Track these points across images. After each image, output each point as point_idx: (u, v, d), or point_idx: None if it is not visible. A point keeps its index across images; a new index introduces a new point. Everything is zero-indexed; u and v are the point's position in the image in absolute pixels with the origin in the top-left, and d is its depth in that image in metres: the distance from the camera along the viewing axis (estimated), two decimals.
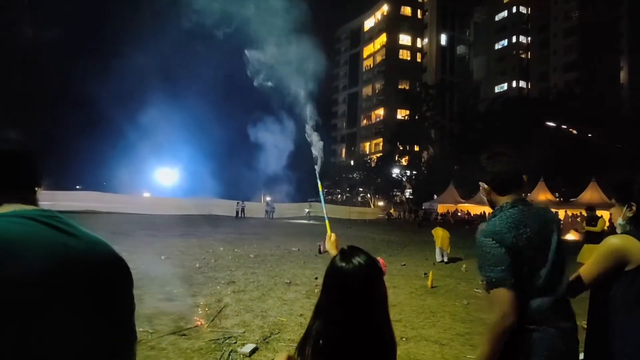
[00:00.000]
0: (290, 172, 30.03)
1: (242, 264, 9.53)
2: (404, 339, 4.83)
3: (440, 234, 11.39)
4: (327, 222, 2.20)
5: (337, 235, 2.06)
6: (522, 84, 67.33)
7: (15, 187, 0.95)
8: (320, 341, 1.22)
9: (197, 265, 9.01)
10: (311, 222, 27.70)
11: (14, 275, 0.72)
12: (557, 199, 34.14)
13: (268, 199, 33.89)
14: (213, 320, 5.23)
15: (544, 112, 37.48)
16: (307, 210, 31.45)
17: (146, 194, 32.33)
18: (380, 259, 1.36)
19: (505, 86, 68.54)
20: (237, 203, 30.82)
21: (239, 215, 30.01)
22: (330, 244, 1.99)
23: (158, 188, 34.99)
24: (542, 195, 33.27)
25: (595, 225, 9.04)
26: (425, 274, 8.79)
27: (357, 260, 1.29)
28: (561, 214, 31.51)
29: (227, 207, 29.13)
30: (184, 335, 4.66)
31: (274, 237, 16.13)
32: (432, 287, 7.77)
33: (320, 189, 2.36)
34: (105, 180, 34.44)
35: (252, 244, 13.45)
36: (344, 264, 1.28)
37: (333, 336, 1.22)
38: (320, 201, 2.31)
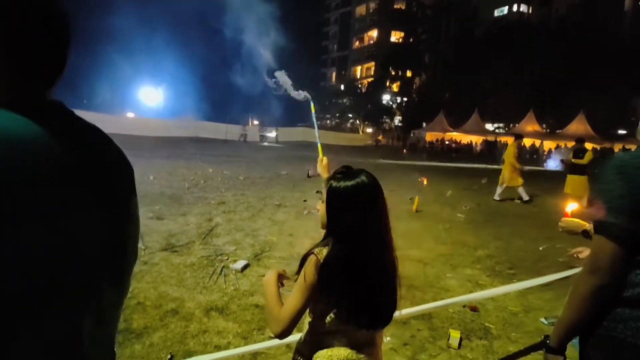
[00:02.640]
0: (279, 95, 29.35)
1: (232, 185, 9.58)
2: None
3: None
4: (319, 145, 2.12)
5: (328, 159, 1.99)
6: (523, 7, 64.04)
7: (60, 69, 0.73)
8: (333, 256, 1.21)
9: (186, 185, 9.03)
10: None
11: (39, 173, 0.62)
12: (544, 130, 34.42)
13: (256, 122, 33.32)
14: (204, 238, 5.34)
15: (544, 38, 36.17)
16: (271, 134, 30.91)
17: (130, 114, 31.34)
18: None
19: (505, 10, 65.18)
20: (244, 128, 30.53)
21: (242, 139, 29.84)
22: (322, 167, 1.94)
23: (142, 108, 33.95)
24: (529, 126, 33.45)
25: (582, 158, 9.17)
26: (410, 198, 8.99)
27: (360, 176, 1.27)
28: (547, 145, 32.01)
29: (214, 130, 28.62)
30: (176, 251, 4.77)
31: (263, 161, 16.13)
32: (417, 211, 8.01)
33: (312, 110, 2.24)
34: (86, 98, 33.04)
35: (241, 166, 13.45)
36: (348, 182, 1.25)
37: (344, 250, 1.21)
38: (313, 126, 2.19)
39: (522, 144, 11.80)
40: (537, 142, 32.58)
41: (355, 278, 1.21)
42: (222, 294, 3.74)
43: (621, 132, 32.83)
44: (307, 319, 1.34)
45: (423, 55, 52.23)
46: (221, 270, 4.26)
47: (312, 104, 2.28)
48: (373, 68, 61.33)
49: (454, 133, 36.88)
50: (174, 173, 10.75)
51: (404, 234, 6.29)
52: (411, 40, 52.40)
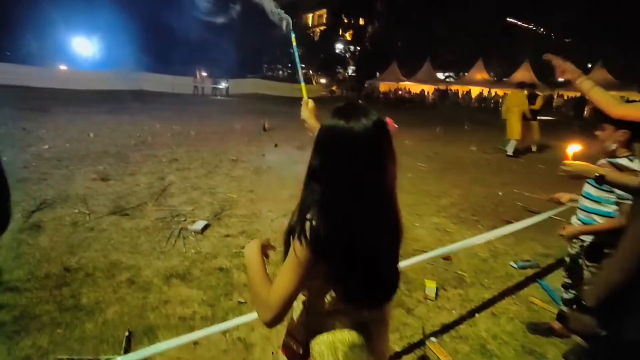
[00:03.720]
0: (228, 45, 27.52)
1: (183, 141, 8.95)
2: None
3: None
4: (302, 85, 1.78)
5: (313, 106, 1.66)
6: None
7: None
8: (323, 221, 0.94)
9: (133, 143, 8.30)
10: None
11: None
12: (492, 79, 35.31)
13: (204, 74, 31.30)
14: (158, 198, 4.92)
15: None
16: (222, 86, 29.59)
17: (62, 67, 28.21)
18: (388, 119, 1.03)
19: None
20: (196, 79, 28.80)
21: (200, 92, 28.30)
22: (308, 111, 1.61)
23: (76, 60, 30.73)
24: (478, 74, 34.16)
25: (534, 103, 9.47)
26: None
27: (368, 117, 0.96)
28: (496, 92, 32.99)
29: (159, 82, 26.58)
30: (127, 215, 4.35)
31: (214, 115, 15.26)
32: None
33: (294, 42, 1.88)
34: (8, 50, 29.20)
35: (192, 121, 12.62)
36: (352, 122, 0.95)
37: (339, 212, 0.94)
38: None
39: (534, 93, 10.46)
40: (485, 91, 33.44)
41: (354, 246, 0.96)
42: (183, 258, 3.44)
43: (560, 79, 34.39)
44: (300, 297, 1.10)
45: (375, 1, 50.82)
46: (179, 233, 3.94)
47: (292, 35, 1.90)
48: (325, 16, 58.99)
49: (407, 83, 36.92)
50: (117, 130, 9.85)
51: None
52: None
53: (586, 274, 2.22)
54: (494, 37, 34.85)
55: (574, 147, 1.89)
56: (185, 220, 4.30)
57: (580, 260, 2.31)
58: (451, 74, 42.13)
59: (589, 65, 31.64)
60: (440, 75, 40.18)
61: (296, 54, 1.85)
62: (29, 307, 2.59)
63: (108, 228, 3.96)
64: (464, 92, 34.55)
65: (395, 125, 1.05)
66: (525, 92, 9.63)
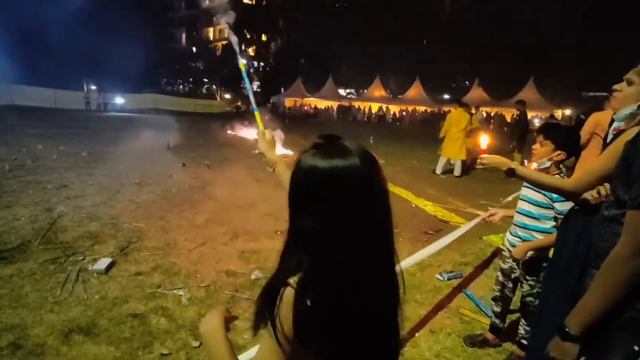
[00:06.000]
0: (121, 56, 25.36)
1: (74, 164, 7.85)
2: (279, 232, 4.73)
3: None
4: (257, 113, 1.56)
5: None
6: None
7: None
8: (312, 289, 0.74)
9: (7, 167, 7.03)
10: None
11: None
12: (389, 95, 37.91)
13: (93, 87, 28.37)
14: (45, 235, 4.15)
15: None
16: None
17: None
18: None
19: None
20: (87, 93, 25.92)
21: (100, 108, 25.72)
22: (266, 143, 1.40)
23: None
24: (377, 91, 36.44)
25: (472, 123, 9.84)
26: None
27: (352, 152, 0.80)
28: (392, 109, 35.46)
29: (38, 96, 23.37)
30: (4, 258, 3.57)
31: (108, 132, 13.81)
32: None
33: (242, 68, 1.67)
34: None
35: (82, 140, 11.24)
36: (333, 161, 0.77)
37: (328, 276, 0.76)
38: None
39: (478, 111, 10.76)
40: (384, 107, 35.80)
41: (347, 315, 0.77)
42: (84, 307, 2.89)
43: (446, 96, 38.31)
44: None
45: (277, 18, 51.69)
46: (77, 276, 3.33)
47: (241, 61, 1.71)
48: (226, 30, 58.14)
49: (312, 99, 37.92)
50: None
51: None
52: (264, 2, 51.05)
53: (525, 287, 2.33)
54: (389, 56, 37.61)
55: (484, 139, 1.96)
56: (83, 259, 3.67)
57: (514, 275, 2.42)
58: (352, 90, 44.41)
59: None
60: (342, 92, 42.08)
61: (246, 80, 1.64)
62: None
63: None
64: (366, 108, 36.50)
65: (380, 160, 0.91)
66: (467, 110, 9.44)
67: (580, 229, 1.56)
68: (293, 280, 0.76)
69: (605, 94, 6.30)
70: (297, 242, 0.81)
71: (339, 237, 0.77)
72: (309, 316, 0.74)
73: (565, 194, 1.67)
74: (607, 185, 1.50)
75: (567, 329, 1.16)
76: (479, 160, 1.90)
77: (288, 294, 0.75)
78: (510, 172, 1.77)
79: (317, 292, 0.74)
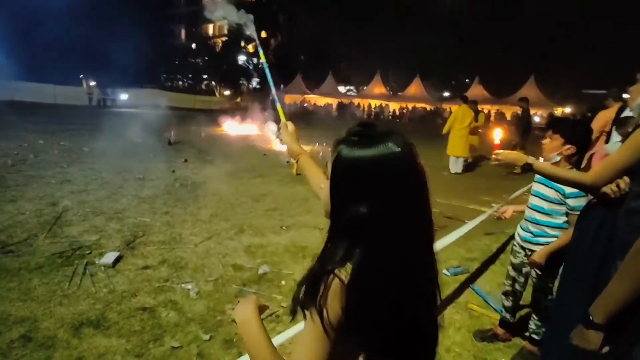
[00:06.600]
0: (121, 51, 25.29)
1: (76, 159, 7.83)
2: (284, 228, 4.73)
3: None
4: (279, 106, 1.56)
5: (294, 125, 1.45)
6: None
7: None
8: (365, 274, 0.74)
9: (10, 162, 7.01)
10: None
11: None
12: (389, 93, 37.87)
13: (92, 83, 28.27)
14: (51, 229, 4.14)
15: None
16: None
17: None
18: None
19: None
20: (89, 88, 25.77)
21: (100, 104, 25.38)
22: (289, 134, 1.39)
23: None
24: (377, 89, 36.37)
25: (477, 120, 9.80)
26: (287, 161, 8.75)
27: (388, 140, 0.78)
28: (392, 106, 35.41)
29: (37, 92, 23.25)
30: (11, 252, 3.56)
31: (109, 128, 13.74)
32: (297, 174, 7.82)
33: (262, 59, 1.67)
34: None
35: (83, 135, 11.21)
36: (370, 150, 0.77)
37: (377, 260, 0.76)
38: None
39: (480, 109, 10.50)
40: (384, 104, 35.75)
41: (393, 300, 0.76)
42: (93, 300, 2.89)
43: (446, 94, 38.29)
44: None
45: (277, 15, 51.46)
46: (85, 269, 3.33)
47: (260, 51, 1.70)
48: (226, 26, 57.98)
49: (312, 95, 37.85)
50: None
51: (291, 199, 6.03)
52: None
53: (536, 282, 2.34)
54: (389, 53, 37.51)
55: (498, 133, 1.95)
56: (90, 253, 3.66)
57: (525, 270, 2.43)
58: (352, 87, 44.33)
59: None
60: (342, 89, 42.00)
61: (267, 73, 1.64)
62: None
63: None
64: (366, 106, 36.45)
65: None
66: (472, 107, 9.38)
67: (599, 221, 1.57)
68: (341, 271, 0.75)
69: (604, 91, 6.30)
70: (344, 233, 0.80)
71: (393, 225, 0.77)
72: (362, 306, 0.74)
73: (586, 188, 1.67)
74: (626, 178, 1.50)
75: (591, 317, 1.16)
76: (494, 156, 1.89)
77: (336, 283, 0.74)
78: (528, 167, 1.76)
79: (371, 282, 0.74)
